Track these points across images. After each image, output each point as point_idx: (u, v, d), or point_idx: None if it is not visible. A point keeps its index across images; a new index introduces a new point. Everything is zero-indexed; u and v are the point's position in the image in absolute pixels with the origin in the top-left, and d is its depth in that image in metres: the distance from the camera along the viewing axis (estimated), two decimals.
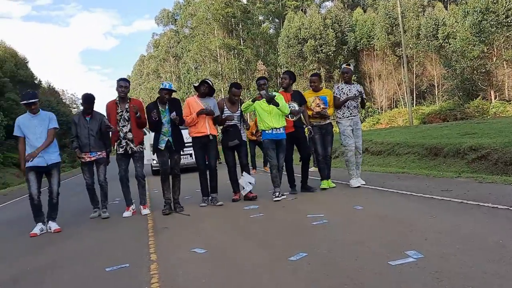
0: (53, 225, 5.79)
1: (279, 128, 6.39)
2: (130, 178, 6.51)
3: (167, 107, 6.24)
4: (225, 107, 6.63)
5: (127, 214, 6.40)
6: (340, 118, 7.04)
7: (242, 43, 56.87)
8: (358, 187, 6.80)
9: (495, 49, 31.60)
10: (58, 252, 4.63)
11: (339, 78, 45.63)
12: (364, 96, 7.22)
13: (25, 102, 5.59)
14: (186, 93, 54.55)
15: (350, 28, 49.70)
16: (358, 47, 48.81)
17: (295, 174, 7.04)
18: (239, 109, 6.67)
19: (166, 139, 6.23)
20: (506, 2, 29.55)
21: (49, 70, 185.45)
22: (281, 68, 49.99)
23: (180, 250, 4.09)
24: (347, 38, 49.03)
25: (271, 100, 6.18)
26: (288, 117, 6.59)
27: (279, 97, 6.35)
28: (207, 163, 6.69)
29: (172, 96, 6.35)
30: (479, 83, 32.16)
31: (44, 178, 5.83)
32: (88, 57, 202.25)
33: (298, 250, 3.58)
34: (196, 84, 6.69)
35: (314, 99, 6.94)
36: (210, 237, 4.58)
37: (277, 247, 3.84)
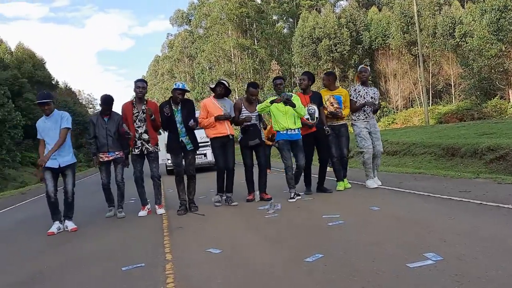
0: (69, 224, 5.85)
1: (294, 129, 6.31)
2: (145, 178, 6.54)
3: (179, 107, 6.23)
4: (242, 107, 6.54)
5: (142, 213, 6.44)
6: (355, 120, 6.90)
7: (256, 43, 56.90)
8: (375, 188, 6.70)
9: None
10: (74, 251, 4.68)
11: (353, 77, 45.40)
12: (377, 102, 7.08)
13: (37, 102, 5.69)
14: (200, 93, 54.79)
15: (365, 27, 49.29)
16: (373, 46, 48.39)
17: (312, 175, 6.95)
18: (256, 110, 6.56)
19: (180, 139, 6.23)
20: None
21: (66, 71, 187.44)
22: (295, 68, 49.88)
23: (195, 250, 4.09)
24: (362, 37, 48.65)
25: (287, 101, 6.11)
26: (308, 120, 6.51)
27: (295, 98, 6.26)
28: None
29: (185, 97, 6.35)
30: (496, 82, 31.63)
31: (60, 178, 5.89)
32: (104, 58, 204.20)
33: (314, 251, 3.55)
34: (212, 86, 6.65)
35: (328, 98, 6.82)
36: (225, 237, 4.57)
37: (293, 247, 3.82)
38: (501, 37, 29.40)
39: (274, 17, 62.96)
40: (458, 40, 38.60)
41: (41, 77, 51.31)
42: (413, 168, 10.14)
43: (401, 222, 4.36)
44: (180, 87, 6.21)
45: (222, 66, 53.31)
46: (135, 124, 6.26)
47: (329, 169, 7.09)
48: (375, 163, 6.94)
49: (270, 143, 12.11)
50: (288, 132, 6.30)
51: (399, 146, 13.97)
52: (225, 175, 6.59)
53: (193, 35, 70.84)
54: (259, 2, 59.71)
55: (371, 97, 6.87)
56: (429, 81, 42.77)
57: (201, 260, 3.71)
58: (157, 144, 6.47)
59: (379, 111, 34.15)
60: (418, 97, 44.62)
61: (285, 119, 6.28)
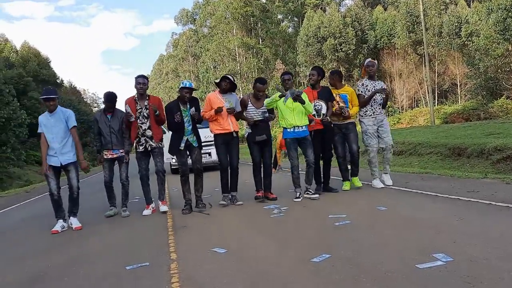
0: (74, 222, 5.82)
1: (301, 126, 6.19)
2: (150, 175, 6.49)
3: (188, 106, 6.16)
4: (249, 102, 6.44)
5: (147, 212, 6.38)
6: (362, 116, 6.77)
7: (260, 42, 56.86)
8: (382, 188, 6.61)
9: None
10: (78, 250, 4.64)
11: (358, 77, 45.24)
12: (388, 92, 6.86)
13: (42, 97, 5.68)
14: (205, 92, 54.77)
15: (370, 26, 49.11)
16: (378, 46, 48.20)
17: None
18: (264, 105, 6.42)
19: (185, 138, 6.17)
20: None
21: (71, 70, 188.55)
22: (300, 67, 49.76)
23: (200, 249, 4.04)
24: (367, 37, 48.47)
25: (297, 97, 5.97)
26: (315, 116, 6.38)
27: (304, 95, 6.11)
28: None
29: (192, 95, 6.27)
30: (503, 82, 31.38)
31: (63, 176, 5.87)
32: (109, 57, 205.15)
33: (321, 251, 3.49)
34: (217, 81, 6.54)
35: (334, 97, 6.67)
36: (230, 236, 4.52)
37: (299, 247, 3.76)
38: (508, 36, 29.16)
39: (279, 16, 62.89)
40: (464, 40, 38.40)
41: (46, 75, 51.50)
42: (419, 168, 10.06)
43: (409, 222, 4.30)
44: (187, 85, 6.12)
45: (227, 65, 53.26)
46: (138, 120, 6.20)
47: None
48: (386, 157, 6.79)
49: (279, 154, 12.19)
50: (295, 130, 6.18)
51: (404, 146, 13.88)
52: (229, 174, 6.47)
53: (197, 34, 70.91)
54: (264, 1, 59.67)
55: (381, 87, 6.71)
56: (435, 81, 42.56)
57: (206, 260, 3.66)
58: (161, 140, 6.41)
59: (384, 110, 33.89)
60: (423, 97, 44.42)
61: (293, 116, 6.15)
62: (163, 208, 6.34)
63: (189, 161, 6.30)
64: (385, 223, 4.36)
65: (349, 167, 7.00)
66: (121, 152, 6.36)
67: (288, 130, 6.23)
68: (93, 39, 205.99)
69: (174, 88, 68.37)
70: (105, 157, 6.36)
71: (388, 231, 4.00)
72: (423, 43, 31.95)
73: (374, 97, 6.65)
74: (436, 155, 12.14)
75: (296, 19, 63.37)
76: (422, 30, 31.61)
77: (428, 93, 32.20)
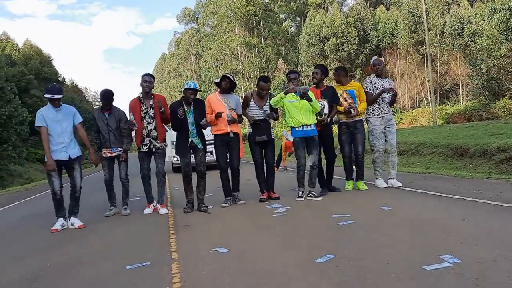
0: (76, 221, 5.76)
1: (310, 125, 6.07)
2: (151, 175, 6.42)
3: (192, 107, 6.06)
4: (251, 100, 6.36)
5: (148, 211, 6.32)
6: (369, 115, 6.63)
7: (263, 42, 56.78)
8: (386, 187, 6.54)
9: None
10: (78, 249, 4.57)
11: (360, 76, 45.18)
12: (396, 91, 6.74)
13: (49, 96, 5.56)
14: (207, 92, 54.72)
15: (372, 26, 49.02)
16: (380, 46, 48.12)
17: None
18: (267, 103, 6.35)
19: (190, 140, 6.08)
20: None
21: (73, 68, 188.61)
22: (302, 67, 49.68)
23: (202, 249, 3.98)
24: (369, 37, 48.40)
25: (304, 95, 5.87)
26: (316, 116, 6.23)
27: (310, 93, 6.03)
28: (227, 161, 6.48)
29: (197, 96, 6.16)
30: (505, 83, 31.26)
31: (64, 174, 5.81)
32: (111, 56, 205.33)
33: (325, 252, 3.43)
34: (217, 80, 6.42)
35: (341, 93, 6.56)
36: (232, 236, 4.46)
37: (302, 247, 3.70)
38: (511, 36, 29.06)
39: (281, 16, 62.78)
40: (467, 40, 38.30)
41: (48, 73, 51.56)
42: (422, 168, 10.01)
43: (414, 222, 4.23)
44: (192, 86, 6.00)
45: (229, 64, 53.19)
46: (144, 120, 6.12)
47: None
48: (390, 160, 6.63)
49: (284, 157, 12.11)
50: (304, 129, 6.06)
51: (406, 146, 13.83)
52: (229, 175, 6.41)
53: (200, 33, 70.84)
54: (266, 1, 59.57)
55: (390, 84, 6.61)
56: (437, 81, 42.45)
57: (208, 260, 3.60)
58: (164, 140, 6.35)
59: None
60: (425, 97, 44.33)
61: (300, 114, 6.03)
62: (163, 210, 6.23)
63: (192, 160, 6.19)
64: (390, 223, 4.29)
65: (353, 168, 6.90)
66: (120, 150, 6.28)
67: (297, 129, 6.11)
68: (95, 38, 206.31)
69: (176, 87, 68.42)
70: (104, 155, 6.29)
71: (393, 232, 3.93)
72: (425, 43, 31.87)
73: (382, 95, 6.53)
74: (438, 155, 12.09)
75: (298, 18, 63.24)
76: (424, 30, 31.52)
77: (430, 93, 32.15)
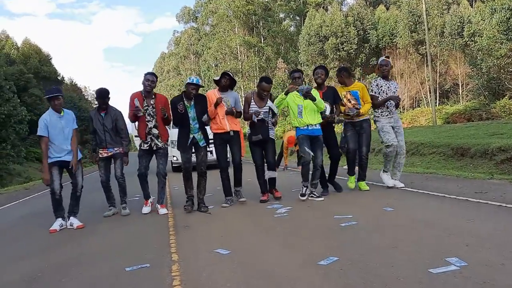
0: (75, 222, 5.71)
1: (314, 125, 5.97)
2: (151, 175, 6.30)
3: (192, 103, 5.99)
4: (252, 101, 6.28)
5: (146, 210, 6.23)
6: (378, 116, 6.49)
7: (262, 41, 56.68)
8: (388, 188, 6.45)
9: None
10: (77, 250, 4.51)
11: (360, 76, 45.11)
12: (399, 99, 6.63)
13: (49, 96, 5.53)
14: (206, 91, 54.64)
15: (372, 26, 48.92)
16: (380, 45, 48.02)
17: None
18: (267, 104, 6.25)
19: (192, 136, 6.01)
20: None
21: (72, 67, 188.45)
22: (301, 66, 49.60)
23: (203, 251, 3.91)
24: (369, 36, 48.29)
25: (307, 94, 5.78)
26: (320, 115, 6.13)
27: (314, 92, 5.93)
28: (228, 160, 6.40)
29: (198, 92, 6.07)
30: (505, 82, 31.22)
31: (65, 174, 5.75)
32: (110, 55, 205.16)
33: (328, 254, 3.37)
34: (217, 78, 6.33)
35: (345, 94, 6.44)
36: (233, 237, 4.39)
37: (305, 249, 3.63)
38: (511, 36, 29.02)
39: (281, 15, 62.68)
40: (467, 40, 38.24)
41: (47, 72, 51.46)
42: (422, 168, 9.95)
43: (418, 223, 4.17)
44: (194, 81, 5.94)
45: (228, 63, 53.09)
46: (144, 117, 6.04)
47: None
48: (398, 161, 6.51)
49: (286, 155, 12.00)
50: (309, 128, 5.97)
51: (407, 145, 13.57)
52: (229, 174, 6.34)
53: (199, 32, 70.73)
54: (266, 0, 59.44)
55: (393, 92, 6.48)
56: (437, 81, 42.40)
57: (209, 262, 3.54)
58: (167, 141, 6.27)
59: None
60: (425, 97, 44.27)
61: (305, 114, 5.94)
62: (162, 211, 6.16)
63: (193, 159, 6.11)
64: (393, 225, 4.23)
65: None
66: (116, 150, 6.20)
67: (301, 128, 6.02)
68: (94, 37, 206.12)
69: (176, 86, 68.30)
70: (100, 156, 6.21)
71: (397, 233, 3.87)
72: (425, 42, 31.80)
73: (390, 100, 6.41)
74: (439, 155, 12.03)
75: (298, 18, 63.13)
76: (424, 29, 31.46)
77: (429, 93, 32.08)
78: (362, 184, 6.56)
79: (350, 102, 6.39)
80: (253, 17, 56.36)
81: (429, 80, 32.95)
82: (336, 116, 6.33)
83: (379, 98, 6.42)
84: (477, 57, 33.11)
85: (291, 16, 64.52)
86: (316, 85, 6.53)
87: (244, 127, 27.34)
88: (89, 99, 71.78)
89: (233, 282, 2.98)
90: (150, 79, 6.04)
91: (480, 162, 10.21)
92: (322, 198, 6.06)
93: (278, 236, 4.22)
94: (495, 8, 30.73)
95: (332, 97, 6.35)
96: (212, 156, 12.92)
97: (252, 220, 5.19)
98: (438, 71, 43.21)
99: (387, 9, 52.64)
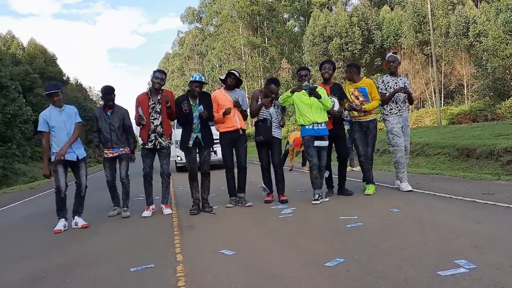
0: (79, 221, 5.69)
1: (320, 123, 5.86)
2: (154, 174, 6.28)
3: (197, 101, 5.93)
4: (259, 100, 6.19)
5: (146, 213, 6.08)
6: (387, 115, 6.33)
7: (266, 41, 56.67)
8: (393, 188, 6.38)
9: None
10: (81, 250, 4.49)
11: (364, 75, 44.97)
12: (411, 91, 6.42)
13: (46, 93, 5.52)
14: (210, 91, 54.73)
15: (376, 26, 48.78)
16: (384, 46, 47.84)
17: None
18: (273, 106, 6.16)
19: (195, 135, 5.93)
20: None
21: (77, 67, 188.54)
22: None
23: (207, 251, 3.88)
24: (373, 36, 48.15)
25: (312, 92, 5.68)
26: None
27: (320, 89, 5.83)
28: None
29: (203, 90, 6.02)
30: (511, 83, 31.06)
31: (69, 173, 5.74)
32: (115, 55, 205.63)
33: (334, 255, 3.33)
34: (223, 77, 6.30)
35: (352, 91, 6.28)
36: (238, 237, 4.36)
37: (310, 250, 3.60)
38: None
39: (285, 15, 62.65)
40: (472, 40, 38.06)
41: (52, 72, 51.64)
42: (428, 169, 9.89)
43: (425, 225, 4.12)
44: (197, 79, 5.86)
45: (233, 64, 53.08)
46: (150, 116, 5.99)
47: (349, 169, 6.66)
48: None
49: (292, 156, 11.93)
50: (315, 127, 5.85)
51: (412, 146, 13.58)
52: (234, 175, 6.27)
53: (203, 33, 70.81)
54: (270, 0, 59.42)
55: (404, 84, 6.31)
56: (441, 81, 42.22)
57: (214, 262, 3.51)
58: (170, 136, 6.20)
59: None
60: (429, 97, 44.10)
61: (311, 112, 5.83)
62: (167, 211, 6.13)
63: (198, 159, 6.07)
64: (399, 226, 4.18)
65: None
66: (122, 150, 6.15)
67: (307, 127, 5.89)
68: (99, 37, 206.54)
69: (180, 87, 68.36)
70: (105, 156, 6.15)
71: (403, 234, 3.83)
72: (430, 43, 31.66)
73: (397, 94, 6.26)
74: (444, 156, 11.97)
75: (302, 18, 63.06)
76: (429, 30, 31.34)
77: (435, 93, 31.94)
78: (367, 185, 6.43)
79: (358, 99, 6.23)
80: (257, 17, 56.35)
81: (434, 80, 32.81)
82: (344, 110, 6.19)
83: (386, 94, 6.27)
84: (482, 57, 32.95)
85: (295, 17, 64.47)
86: (323, 80, 6.40)
87: (248, 128, 27.30)
88: (94, 99, 72.00)
89: (238, 284, 2.95)
90: (160, 77, 6.00)
91: (486, 163, 10.14)
92: (327, 199, 6.01)
93: (283, 237, 4.19)
94: (500, 9, 30.62)
95: (339, 92, 6.25)
96: (215, 157, 12.96)
97: (257, 221, 5.15)
98: (443, 71, 43.05)
99: (392, 9, 52.49)
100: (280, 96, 6.01)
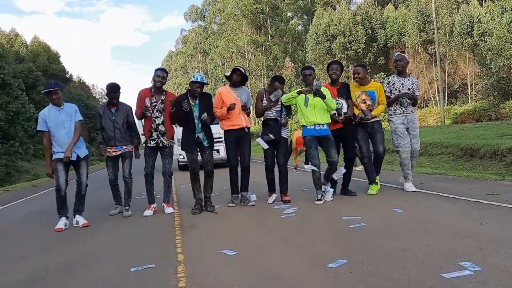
0: (80, 220, 5.66)
1: (322, 124, 5.76)
2: (156, 174, 6.22)
3: (197, 101, 5.87)
4: (264, 99, 6.10)
5: (148, 213, 6.03)
6: (391, 115, 6.21)
7: (270, 40, 56.61)
8: (396, 189, 6.32)
9: None
10: (82, 249, 4.46)
11: (368, 75, 44.83)
12: (417, 93, 6.25)
13: (45, 91, 5.48)
14: (214, 89, 54.68)
15: (380, 25, 48.64)
16: (388, 45, 47.72)
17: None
18: (279, 103, 6.06)
19: (196, 135, 5.89)
20: None
21: (80, 65, 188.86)
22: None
23: (209, 251, 3.85)
24: (377, 35, 48.01)
25: (317, 92, 5.56)
26: (335, 115, 5.93)
27: (325, 90, 5.70)
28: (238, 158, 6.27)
29: (203, 90, 5.95)
30: None
31: (71, 171, 5.71)
32: (118, 53, 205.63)
33: (337, 256, 3.29)
34: (228, 74, 6.19)
35: (359, 94, 6.06)
36: (239, 237, 4.32)
37: (313, 251, 3.56)
38: None
39: (289, 14, 62.50)
40: (476, 39, 37.90)
41: (56, 70, 51.70)
42: (431, 169, 9.83)
43: (428, 226, 4.07)
44: (199, 79, 5.79)
45: (236, 62, 52.99)
46: (152, 114, 5.93)
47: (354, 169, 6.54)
48: (411, 163, 6.24)
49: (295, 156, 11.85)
50: (316, 128, 5.76)
51: None
52: (238, 174, 6.20)
53: (207, 31, 70.83)
54: None
55: (408, 89, 6.10)
56: (445, 81, 42.07)
57: (215, 262, 3.47)
58: (172, 138, 6.16)
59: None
60: (433, 97, 43.95)
61: (314, 112, 5.73)
62: (168, 210, 6.09)
63: (199, 158, 6.01)
64: (403, 227, 4.14)
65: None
66: (125, 149, 6.09)
67: (308, 127, 5.81)
68: (102, 35, 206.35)
69: (183, 85, 68.37)
70: (108, 154, 6.09)
71: (407, 235, 3.78)
72: (434, 42, 31.53)
73: (401, 97, 6.10)
74: (447, 156, 11.92)
75: (305, 16, 62.92)
76: (433, 29, 31.21)
77: (438, 92, 31.83)
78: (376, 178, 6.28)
79: (365, 102, 6.03)
80: (260, 15, 56.31)
81: (437, 80, 32.70)
82: (350, 114, 6.01)
83: (391, 96, 6.15)
84: (486, 57, 32.83)
85: (298, 15, 64.33)
86: (330, 81, 6.25)
87: (253, 127, 27.25)
88: (97, 97, 72.07)
89: (240, 284, 2.91)
90: (161, 75, 5.96)
91: (490, 163, 10.10)
92: (331, 199, 5.92)
93: (286, 238, 4.15)
94: (505, 8, 30.50)
95: (347, 93, 6.09)
96: (218, 155, 12.94)
97: (259, 220, 5.12)
98: (446, 71, 42.90)
99: (396, 8, 52.37)
100: (284, 95, 5.90)
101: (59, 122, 5.49)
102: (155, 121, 5.96)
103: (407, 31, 45.07)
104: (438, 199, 5.41)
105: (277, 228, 4.59)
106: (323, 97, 5.58)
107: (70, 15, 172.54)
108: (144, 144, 6.17)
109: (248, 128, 6.15)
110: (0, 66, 27.42)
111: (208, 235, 4.55)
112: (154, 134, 5.98)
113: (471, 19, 39.56)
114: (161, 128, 5.98)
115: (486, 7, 39.20)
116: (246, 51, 54.24)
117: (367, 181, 6.30)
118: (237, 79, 6.09)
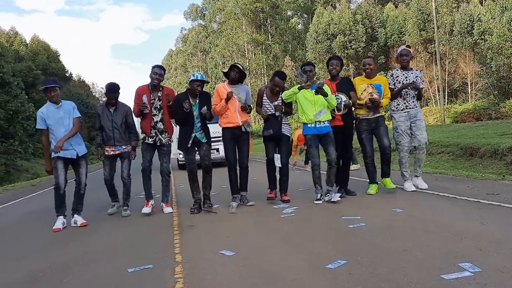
0: (79, 219, 5.64)
1: (323, 122, 5.69)
2: (153, 171, 6.17)
3: (197, 100, 5.81)
4: (264, 96, 6.04)
5: (146, 210, 5.95)
6: (393, 111, 6.12)
7: (270, 39, 56.60)
8: (396, 188, 6.27)
9: None
10: (80, 249, 4.44)
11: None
12: (422, 86, 6.16)
13: (43, 87, 5.46)
14: (214, 88, 54.61)
15: (380, 24, 48.65)
16: (388, 43, 47.72)
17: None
18: (279, 99, 5.98)
19: (193, 135, 5.82)
20: None
21: (80, 64, 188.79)
22: None
23: (207, 251, 3.82)
24: (377, 34, 48.01)
25: (319, 89, 5.50)
26: (334, 111, 5.88)
27: (326, 87, 5.65)
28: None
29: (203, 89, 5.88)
30: None
31: (70, 170, 5.68)
32: (118, 51, 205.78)
33: (336, 257, 3.27)
34: (226, 70, 6.11)
35: (366, 87, 5.96)
36: (238, 237, 4.29)
37: (312, 252, 3.53)
38: None
39: (289, 13, 62.52)
40: (476, 38, 37.88)
41: (55, 69, 51.66)
42: (431, 168, 9.81)
43: (428, 226, 4.04)
44: (199, 78, 5.74)
45: (236, 61, 52.99)
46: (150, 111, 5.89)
47: (353, 167, 6.46)
48: (417, 157, 6.20)
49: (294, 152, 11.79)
50: (317, 125, 5.69)
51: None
52: (237, 173, 6.14)
53: (207, 30, 70.83)
54: None
55: (413, 81, 6.03)
56: (445, 80, 42.03)
57: (213, 263, 3.45)
58: (172, 134, 6.11)
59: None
60: (433, 96, 43.92)
61: (314, 110, 5.66)
62: (167, 209, 6.04)
63: (197, 157, 5.95)
64: (403, 227, 4.11)
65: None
66: (124, 148, 6.06)
67: (309, 125, 5.73)
68: (102, 33, 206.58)
69: (183, 84, 68.39)
70: (106, 153, 6.05)
71: (406, 236, 3.76)
72: (434, 41, 31.48)
73: (406, 89, 6.04)
74: (447, 155, 11.90)
75: (306, 15, 62.93)
76: (433, 28, 31.16)
77: (439, 91, 31.80)
78: (387, 181, 6.08)
79: (372, 95, 5.92)
80: (260, 14, 56.29)
81: (437, 78, 32.64)
82: (352, 103, 5.94)
83: (395, 89, 6.09)
84: (486, 55, 32.83)
85: (299, 14, 64.34)
86: (330, 77, 6.20)
87: (253, 125, 27.21)
88: (96, 95, 72.04)
89: (238, 285, 2.89)
90: (158, 72, 5.89)
91: (490, 162, 10.07)
92: (339, 198, 5.73)
93: (285, 238, 4.12)
94: (505, 6, 30.46)
95: (346, 86, 6.00)
96: (218, 154, 12.90)
97: (258, 220, 5.09)
98: (447, 69, 42.89)
99: (396, 7, 52.35)
100: (285, 92, 5.82)
101: (58, 119, 5.47)
102: (153, 118, 5.92)
103: (407, 30, 45.07)
104: (438, 199, 5.38)
105: (277, 228, 4.56)
106: (325, 95, 5.53)
107: (70, 14, 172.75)
108: (142, 141, 6.11)
109: (247, 128, 6.06)
110: (0, 65, 27.38)
111: (207, 235, 4.53)
112: (153, 132, 5.93)
113: (471, 17, 39.55)
114: (160, 125, 5.94)
115: (486, 6, 39.17)
116: (246, 50, 54.23)
117: (367, 180, 6.27)
118: (235, 76, 6.01)
